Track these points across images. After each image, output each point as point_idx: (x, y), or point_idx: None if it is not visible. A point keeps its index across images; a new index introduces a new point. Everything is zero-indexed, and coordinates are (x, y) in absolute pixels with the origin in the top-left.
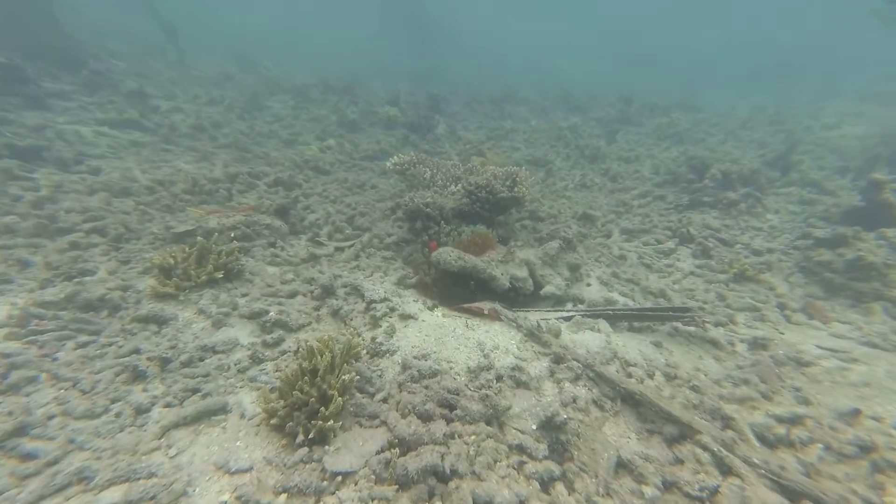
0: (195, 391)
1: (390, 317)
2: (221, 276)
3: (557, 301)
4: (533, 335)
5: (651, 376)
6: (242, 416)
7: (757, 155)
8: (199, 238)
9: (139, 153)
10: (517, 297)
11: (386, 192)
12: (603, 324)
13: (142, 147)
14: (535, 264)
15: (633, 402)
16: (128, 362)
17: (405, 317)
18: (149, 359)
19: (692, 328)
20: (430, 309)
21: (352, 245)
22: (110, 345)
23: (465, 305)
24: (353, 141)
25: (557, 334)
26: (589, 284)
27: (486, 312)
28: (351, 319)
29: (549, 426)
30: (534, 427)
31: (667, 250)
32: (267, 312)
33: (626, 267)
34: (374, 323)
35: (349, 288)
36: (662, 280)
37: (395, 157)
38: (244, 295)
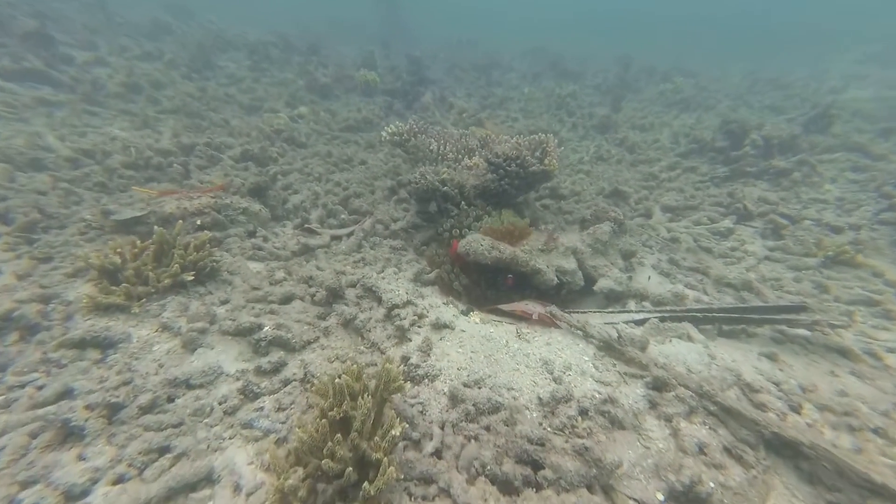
0: (162, 451)
1: (420, 326)
2: (192, 278)
3: (615, 298)
4: (611, 348)
5: (797, 409)
6: (237, 489)
7: (784, 120)
8: (155, 227)
9: (51, 115)
10: (564, 295)
11: (378, 167)
12: (692, 329)
13: (54, 107)
14: (584, 253)
15: (782, 449)
16: (52, 414)
17: (439, 326)
18: (88, 406)
19: (807, 332)
20: (465, 314)
21: (351, 233)
22: (22, 387)
23: (505, 307)
24: (328, 109)
25: (644, 347)
26: (649, 277)
27: (535, 317)
28: (369, 331)
29: (687, 499)
30: (661, 499)
31: (724, 230)
32: (260, 327)
33: (682, 252)
34: (402, 336)
35: (360, 289)
36: (732, 267)
37: (392, 125)
38: (224, 302)
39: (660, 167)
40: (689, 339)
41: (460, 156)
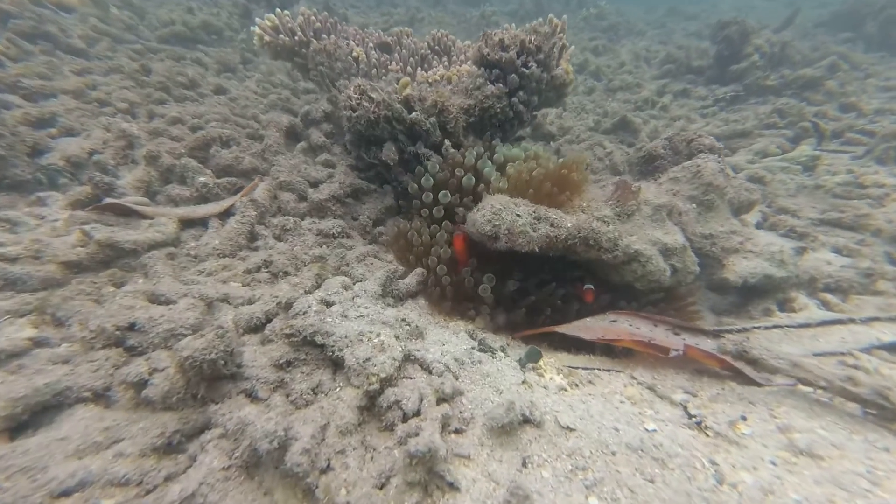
0: None
1: (461, 429)
2: None
3: (763, 292)
4: None
5: None
6: None
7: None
8: None
9: None
10: (665, 296)
11: (252, 100)
12: None
13: None
14: (686, 213)
15: None
16: None
17: (505, 427)
18: None
19: None
20: (523, 364)
21: (227, 211)
22: None
23: (577, 330)
24: (128, 1)
25: None
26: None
27: (670, 352)
28: (329, 492)
29: None
30: None
31: (807, 158)
32: None
33: (784, 198)
34: (425, 492)
35: (278, 340)
36: (880, 210)
37: (271, 16)
38: None
39: (650, 91)
40: None
41: (410, 68)
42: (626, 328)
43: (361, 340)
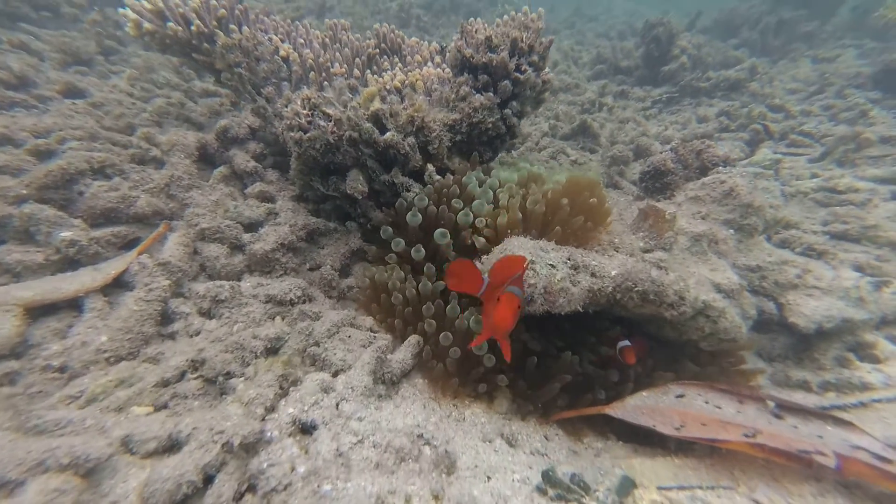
0: None
1: None
2: None
3: (831, 337)
4: None
5: None
6: None
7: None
8: None
9: None
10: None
11: (121, 100)
12: None
13: None
14: (724, 241)
15: None
16: None
17: None
18: None
19: None
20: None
21: (112, 278)
22: None
23: (694, 434)
24: None
25: None
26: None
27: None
28: None
29: None
30: None
31: (770, 163)
32: None
33: (779, 210)
34: None
35: None
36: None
37: None
38: None
39: (593, 92)
40: None
41: (358, 71)
42: (700, 408)
43: None
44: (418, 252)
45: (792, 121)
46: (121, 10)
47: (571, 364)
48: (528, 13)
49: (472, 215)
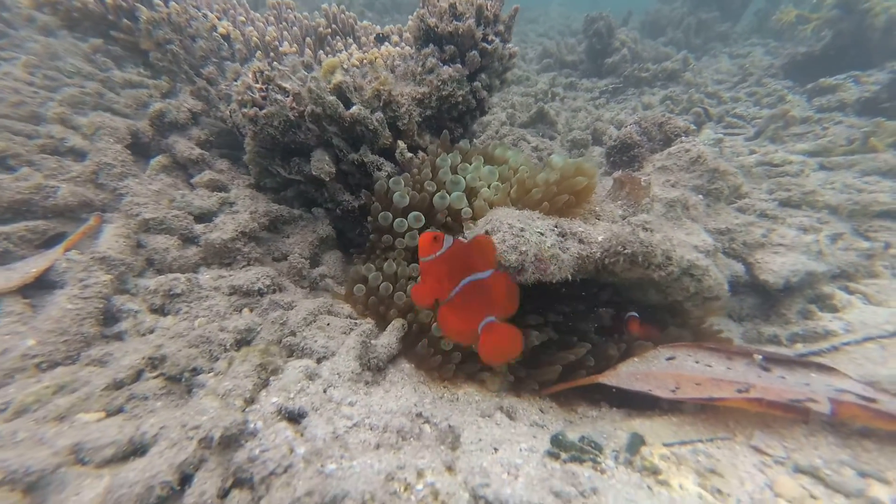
0: None
1: None
2: None
3: (797, 291)
4: None
5: None
6: None
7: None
8: None
9: None
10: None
11: (19, 89)
12: None
13: None
14: (696, 208)
15: None
16: None
17: None
18: None
19: None
20: (628, 459)
21: (33, 277)
22: None
23: (691, 395)
24: None
25: None
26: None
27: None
28: None
29: None
30: None
31: (713, 142)
32: None
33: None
34: None
35: None
36: (805, 184)
37: None
38: None
39: (544, 83)
40: None
41: (310, 50)
42: (692, 369)
43: (395, 496)
44: (413, 239)
45: (725, 106)
46: None
47: (573, 344)
48: None
49: (448, 198)
